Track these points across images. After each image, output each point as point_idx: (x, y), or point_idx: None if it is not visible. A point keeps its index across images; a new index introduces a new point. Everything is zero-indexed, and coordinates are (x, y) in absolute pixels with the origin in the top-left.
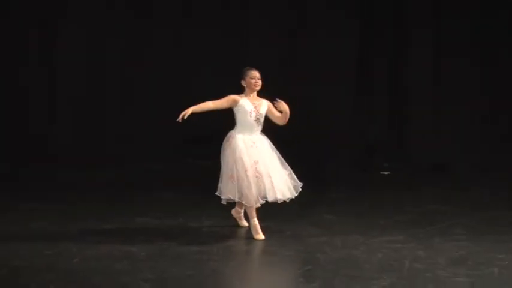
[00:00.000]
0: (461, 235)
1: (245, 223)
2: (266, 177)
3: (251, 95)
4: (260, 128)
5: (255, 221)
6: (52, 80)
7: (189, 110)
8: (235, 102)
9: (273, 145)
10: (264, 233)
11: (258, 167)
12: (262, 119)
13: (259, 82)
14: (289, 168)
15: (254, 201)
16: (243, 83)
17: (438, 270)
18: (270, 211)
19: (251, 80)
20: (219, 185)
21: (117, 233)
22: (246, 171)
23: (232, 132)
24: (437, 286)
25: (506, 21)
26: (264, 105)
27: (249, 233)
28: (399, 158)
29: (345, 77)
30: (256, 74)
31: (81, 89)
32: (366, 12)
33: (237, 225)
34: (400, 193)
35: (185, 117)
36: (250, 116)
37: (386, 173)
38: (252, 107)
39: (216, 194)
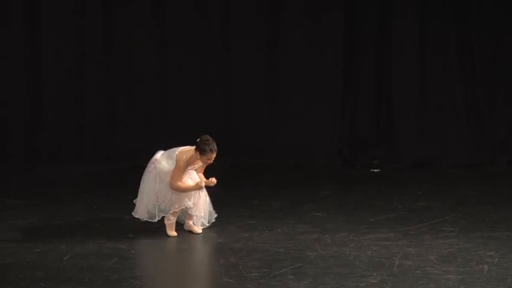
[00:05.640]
0: (451, 232)
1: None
2: None
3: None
4: None
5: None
6: (35, 76)
7: None
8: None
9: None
10: (253, 231)
11: None
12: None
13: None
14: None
15: None
16: (197, 153)
17: (428, 267)
18: (259, 209)
19: (207, 160)
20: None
21: (106, 231)
22: None
23: None
24: (428, 283)
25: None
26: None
27: (237, 230)
28: (388, 154)
29: (331, 72)
30: (213, 156)
31: (64, 84)
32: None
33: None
34: (390, 190)
35: None
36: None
37: (376, 170)
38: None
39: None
